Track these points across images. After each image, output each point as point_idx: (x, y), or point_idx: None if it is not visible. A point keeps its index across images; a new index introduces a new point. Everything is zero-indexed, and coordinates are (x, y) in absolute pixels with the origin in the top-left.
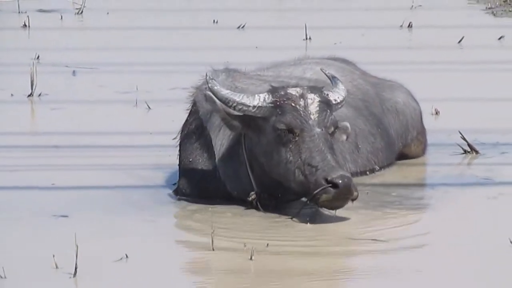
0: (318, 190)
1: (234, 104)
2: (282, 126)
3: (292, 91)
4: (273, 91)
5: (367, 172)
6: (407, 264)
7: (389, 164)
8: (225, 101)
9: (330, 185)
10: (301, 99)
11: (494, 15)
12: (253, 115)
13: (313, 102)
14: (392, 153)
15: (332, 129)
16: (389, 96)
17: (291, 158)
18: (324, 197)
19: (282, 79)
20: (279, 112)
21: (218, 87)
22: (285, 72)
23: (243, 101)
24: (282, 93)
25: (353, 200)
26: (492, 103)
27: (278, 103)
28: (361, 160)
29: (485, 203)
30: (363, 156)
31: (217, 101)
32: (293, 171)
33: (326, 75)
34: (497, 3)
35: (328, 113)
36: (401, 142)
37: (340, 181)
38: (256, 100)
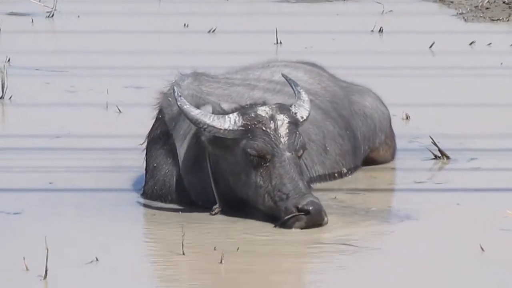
0: (289, 216)
1: (205, 126)
2: (253, 152)
3: (262, 112)
4: (243, 112)
5: (335, 175)
6: (376, 268)
7: (355, 167)
8: (195, 122)
9: (302, 213)
10: (271, 121)
11: (465, 20)
12: (223, 136)
13: (282, 124)
14: (358, 157)
15: (301, 152)
16: (357, 99)
17: (261, 182)
18: (296, 224)
19: (250, 82)
20: (250, 136)
21: (188, 106)
22: (253, 75)
23: (213, 124)
24: (253, 115)
25: (323, 225)
26: (463, 108)
27: (249, 127)
28: (329, 162)
29: (455, 209)
30: (331, 158)
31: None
32: (263, 195)
33: (289, 83)
34: (468, 9)
35: (297, 135)
36: (368, 146)
37: (311, 208)
38: (227, 123)
